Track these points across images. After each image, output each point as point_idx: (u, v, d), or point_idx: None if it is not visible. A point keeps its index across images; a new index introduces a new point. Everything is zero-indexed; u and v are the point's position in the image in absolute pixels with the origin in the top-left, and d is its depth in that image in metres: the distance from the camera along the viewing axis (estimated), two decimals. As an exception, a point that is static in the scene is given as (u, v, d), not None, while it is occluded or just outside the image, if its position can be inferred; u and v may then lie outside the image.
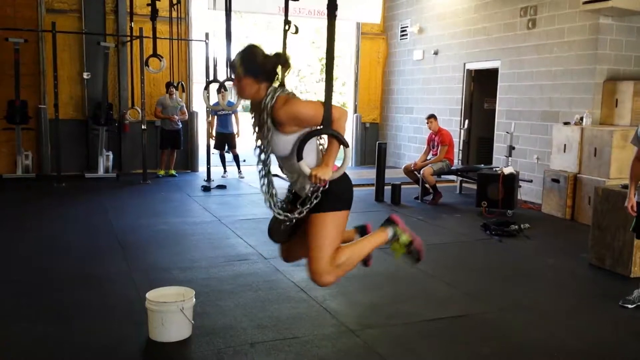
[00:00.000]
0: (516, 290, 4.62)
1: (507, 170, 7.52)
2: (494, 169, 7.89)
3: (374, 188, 8.47)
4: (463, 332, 3.76)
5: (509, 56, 8.97)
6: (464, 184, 9.28)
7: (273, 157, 2.84)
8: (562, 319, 4.05)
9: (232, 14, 5.80)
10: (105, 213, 7.13)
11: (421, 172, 8.34)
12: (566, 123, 7.64)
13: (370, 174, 9.64)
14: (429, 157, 8.66)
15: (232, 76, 2.79)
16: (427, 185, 8.33)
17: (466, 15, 9.92)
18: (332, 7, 2.68)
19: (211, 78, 9.50)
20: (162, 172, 10.37)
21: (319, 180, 2.62)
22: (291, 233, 2.88)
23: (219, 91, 6.91)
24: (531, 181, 8.22)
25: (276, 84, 2.74)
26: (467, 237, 6.39)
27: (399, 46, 12.08)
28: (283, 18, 2.98)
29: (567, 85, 7.95)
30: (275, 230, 2.87)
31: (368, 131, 12.63)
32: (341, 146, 2.71)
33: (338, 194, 2.79)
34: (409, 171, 8.70)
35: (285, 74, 2.75)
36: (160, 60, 8.57)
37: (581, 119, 7.43)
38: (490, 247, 5.99)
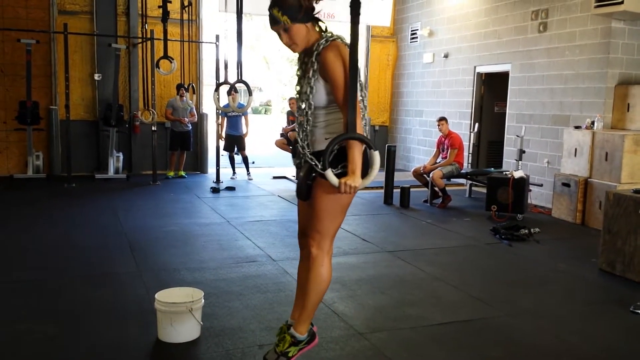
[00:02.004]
0: (525, 295, 4.60)
1: (518, 174, 7.49)
2: (504, 173, 7.86)
3: (382, 191, 8.46)
4: (472, 337, 3.74)
5: (520, 59, 8.93)
6: (473, 188, 9.25)
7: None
8: (572, 324, 4.02)
9: (243, 16, 5.81)
10: (114, 214, 7.17)
11: (430, 175, 8.32)
12: (577, 127, 7.60)
13: (379, 176, 9.60)
14: (438, 160, 8.64)
15: (278, 34, 2.57)
16: (436, 189, 8.31)
17: (477, 19, 9.90)
18: (355, 7, 2.50)
19: (222, 80, 9.56)
20: (171, 174, 10.41)
21: (349, 189, 2.45)
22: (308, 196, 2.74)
23: (229, 93, 6.94)
24: (541, 185, 8.18)
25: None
26: (476, 241, 6.36)
27: (409, 49, 12.07)
28: None
29: (578, 89, 7.91)
30: (301, 187, 2.70)
31: (377, 134, 12.62)
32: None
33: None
34: (418, 174, 8.68)
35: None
36: (171, 62, 8.61)
37: (592, 123, 7.38)
38: (499, 252, 5.96)
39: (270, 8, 2.55)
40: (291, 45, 2.58)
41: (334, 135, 2.55)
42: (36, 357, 3.27)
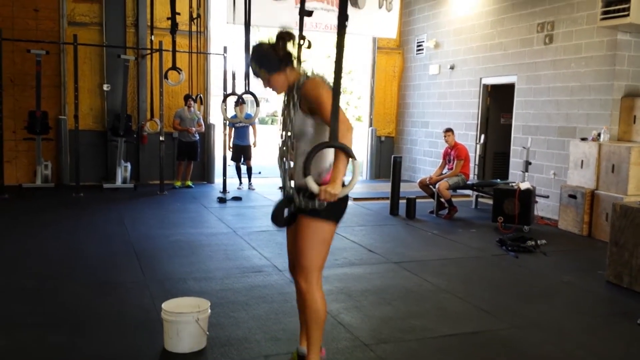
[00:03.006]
0: (531, 307, 4.59)
1: (524, 186, 7.48)
2: (511, 184, 7.86)
3: (388, 202, 8.47)
4: (478, 349, 3.74)
5: (526, 71, 8.96)
6: (479, 199, 9.24)
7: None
8: (578, 337, 4.01)
9: (251, 27, 5.87)
10: (122, 223, 7.21)
11: (436, 186, 8.33)
12: (583, 139, 7.60)
13: (385, 187, 9.64)
14: (444, 172, 8.65)
15: (260, 81, 2.79)
16: (442, 200, 8.31)
17: (483, 31, 9.94)
18: (342, 18, 2.61)
19: (229, 91, 9.63)
20: (178, 183, 10.46)
21: (328, 196, 2.50)
22: (289, 224, 2.87)
23: (237, 104, 6.98)
24: (548, 197, 8.17)
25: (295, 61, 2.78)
26: (482, 252, 6.35)
27: (415, 61, 12.11)
28: (303, 33, 3.03)
29: (584, 101, 7.91)
30: (278, 214, 2.80)
31: (383, 145, 12.64)
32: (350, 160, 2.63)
33: (332, 203, 2.63)
34: (424, 185, 8.69)
35: (301, 46, 2.74)
36: (179, 73, 8.68)
37: (598, 134, 7.38)
38: (505, 263, 5.95)
39: (250, 61, 2.76)
40: (273, 89, 2.78)
41: (315, 172, 2.64)
42: (44, 366, 3.30)
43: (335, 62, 2.54)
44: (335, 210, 2.70)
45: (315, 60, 26.07)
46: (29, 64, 9.57)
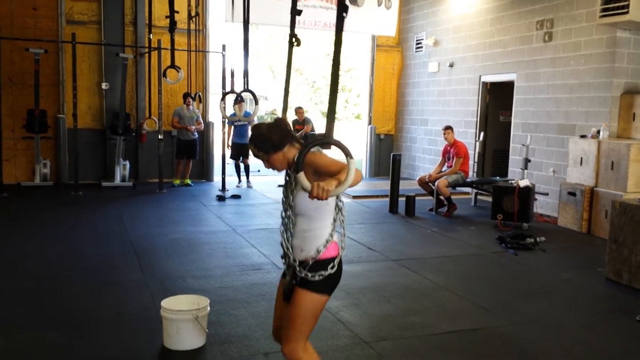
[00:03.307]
0: (531, 304, 4.59)
1: (523, 183, 7.48)
2: (510, 182, 7.86)
3: (388, 200, 8.47)
4: (477, 346, 3.74)
5: (525, 69, 8.95)
6: (479, 196, 9.24)
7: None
8: (577, 333, 4.01)
9: (249, 26, 5.85)
10: (121, 221, 7.20)
11: (436, 183, 8.32)
12: (583, 136, 7.59)
13: (384, 185, 9.64)
14: (443, 169, 8.65)
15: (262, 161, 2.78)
16: (441, 197, 8.31)
17: (482, 29, 9.93)
18: (341, 10, 2.61)
19: (228, 89, 9.62)
20: (177, 182, 10.45)
21: (321, 191, 2.36)
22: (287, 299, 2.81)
23: (236, 102, 6.97)
24: (547, 194, 8.17)
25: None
26: (481, 249, 6.35)
27: (414, 58, 12.10)
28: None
29: (584, 99, 7.91)
30: (288, 289, 2.75)
31: (382, 142, 12.63)
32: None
33: (330, 277, 2.65)
34: (423, 183, 8.69)
35: (292, 44, 2.68)
36: (178, 72, 8.67)
37: (598, 132, 7.38)
38: (505, 260, 5.95)
39: (249, 142, 2.76)
40: (276, 169, 2.75)
41: (311, 250, 2.64)
42: (43, 364, 3.30)
43: (334, 56, 2.53)
44: (331, 282, 2.70)
45: (314, 59, 26.10)
46: (28, 62, 9.55)
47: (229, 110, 8.87)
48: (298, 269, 2.66)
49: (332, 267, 2.62)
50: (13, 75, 9.71)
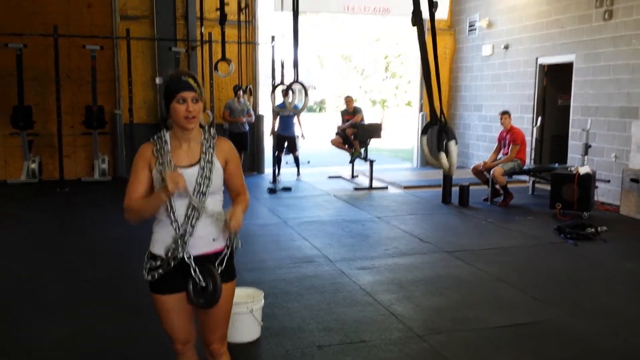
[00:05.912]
0: (590, 296, 4.43)
1: (583, 170, 7.20)
2: (569, 169, 7.57)
3: (440, 189, 8.31)
4: (533, 340, 3.63)
5: (584, 49, 8.58)
6: (536, 185, 8.97)
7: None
8: (639, 325, 3.84)
9: (299, 14, 5.81)
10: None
11: (491, 172, 8.10)
12: (647, 119, 7.24)
13: (436, 174, 9.48)
14: (499, 157, 8.40)
15: (185, 100, 2.46)
16: (497, 186, 8.10)
17: (538, 8, 9.58)
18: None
19: (277, 81, 9.64)
20: (229, 174, 10.57)
21: (236, 225, 2.49)
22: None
23: (285, 93, 6.98)
24: (609, 181, 7.85)
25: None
26: (539, 240, 6.16)
27: (466, 41, 11.81)
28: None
29: (648, 80, 7.53)
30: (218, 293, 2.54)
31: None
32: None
33: (232, 260, 2.64)
34: (477, 171, 8.48)
35: None
36: (229, 64, 8.74)
37: (664, 115, 7.02)
38: (564, 251, 5.75)
39: (187, 75, 2.46)
40: (193, 118, 2.49)
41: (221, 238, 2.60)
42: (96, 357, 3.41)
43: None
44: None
45: (363, 44, 25.85)
46: (84, 59, 9.83)
47: (279, 100, 8.89)
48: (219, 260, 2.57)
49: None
50: (71, 72, 10.03)
